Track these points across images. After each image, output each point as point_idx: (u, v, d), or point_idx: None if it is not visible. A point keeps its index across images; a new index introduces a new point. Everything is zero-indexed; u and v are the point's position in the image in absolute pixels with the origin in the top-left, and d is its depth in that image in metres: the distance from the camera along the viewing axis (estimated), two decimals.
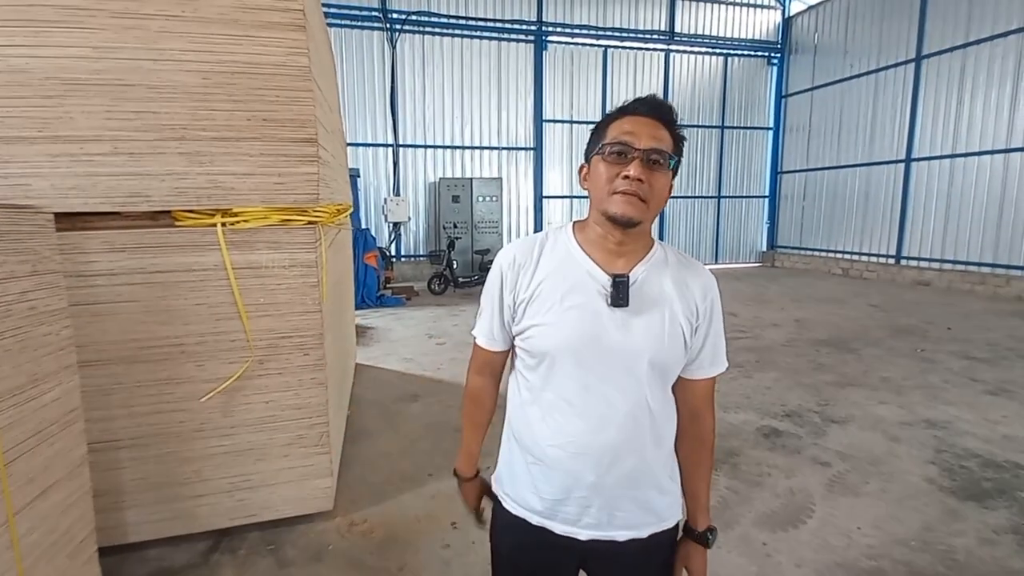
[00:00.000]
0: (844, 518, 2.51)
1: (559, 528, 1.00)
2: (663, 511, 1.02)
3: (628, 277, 0.93)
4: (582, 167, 1.01)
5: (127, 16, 1.97)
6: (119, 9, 1.96)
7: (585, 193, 0.99)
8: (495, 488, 1.12)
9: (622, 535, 0.99)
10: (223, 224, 2.12)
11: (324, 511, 2.47)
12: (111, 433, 2.12)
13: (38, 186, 1.95)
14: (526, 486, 1.03)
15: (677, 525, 1.06)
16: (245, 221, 2.15)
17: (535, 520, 1.02)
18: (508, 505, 1.07)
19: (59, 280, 1.67)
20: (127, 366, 2.11)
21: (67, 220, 1.97)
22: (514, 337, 1.03)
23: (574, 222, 1.03)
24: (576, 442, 0.96)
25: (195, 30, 2.03)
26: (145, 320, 2.10)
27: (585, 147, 1.02)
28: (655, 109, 0.93)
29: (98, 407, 2.08)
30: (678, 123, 0.95)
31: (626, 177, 0.89)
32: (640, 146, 0.89)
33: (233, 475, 2.27)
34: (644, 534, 1.00)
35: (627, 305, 0.93)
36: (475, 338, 1.09)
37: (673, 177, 0.96)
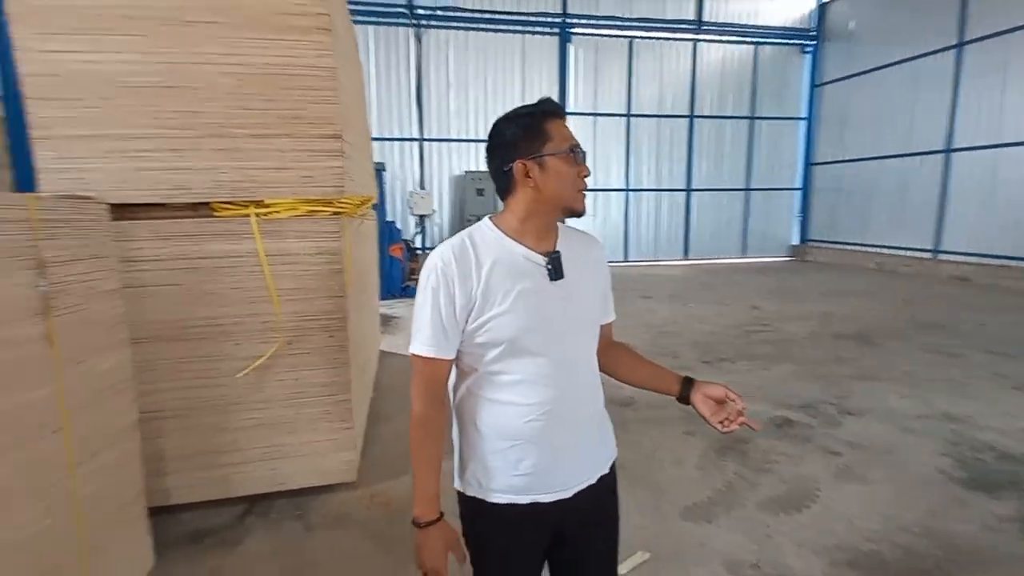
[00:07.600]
0: (848, 504, 2.55)
1: (548, 497, 1.07)
2: (610, 442, 1.21)
3: (559, 252, 1.06)
4: (518, 164, 1.01)
5: (171, 23, 2.16)
6: (164, 17, 2.15)
7: (558, 187, 1.02)
8: (473, 493, 1.12)
9: (594, 475, 1.14)
10: (256, 215, 2.30)
11: (347, 482, 2.65)
12: (157, 404, 2.33)
13: (92, 179, 2.16)
14: (506, 472, 1.06)
15: (614, 464, 1.21)
16: (276, 212, 2.33)
17: (525, 500, 1.07)
18: (494, 497, 1.08)
19: (113, 264, 1.88)
20: (170, 343, 2.32)
21: (119, 210, 2.18)
22: (463, 340, 1.04)
23: (489, 217, 1.08)
24: (551, 411, 1.04)
25: (231, 34, 2.21)
26: (186, 302, 2.30)
27: (515, 145, 1.01)
28: (562, 111, 1.09)
29: (145, 381, 2.29)
30: None
31: (584, 176, 1.06)
32: (582, 147, 1.06)
33: (265, 446, 2.47)
34: (604, 469, 1.16)
35: (563, 277, 1.05)
36: (418, 354, 1.03)
37: None
